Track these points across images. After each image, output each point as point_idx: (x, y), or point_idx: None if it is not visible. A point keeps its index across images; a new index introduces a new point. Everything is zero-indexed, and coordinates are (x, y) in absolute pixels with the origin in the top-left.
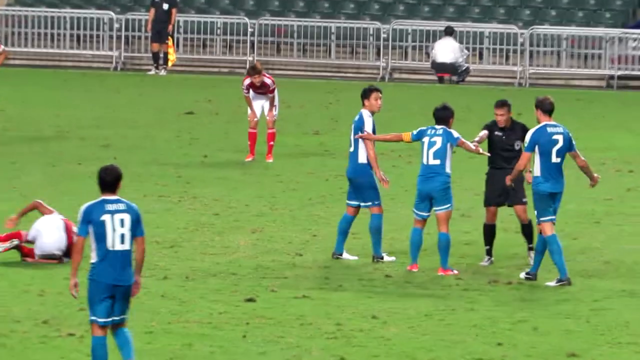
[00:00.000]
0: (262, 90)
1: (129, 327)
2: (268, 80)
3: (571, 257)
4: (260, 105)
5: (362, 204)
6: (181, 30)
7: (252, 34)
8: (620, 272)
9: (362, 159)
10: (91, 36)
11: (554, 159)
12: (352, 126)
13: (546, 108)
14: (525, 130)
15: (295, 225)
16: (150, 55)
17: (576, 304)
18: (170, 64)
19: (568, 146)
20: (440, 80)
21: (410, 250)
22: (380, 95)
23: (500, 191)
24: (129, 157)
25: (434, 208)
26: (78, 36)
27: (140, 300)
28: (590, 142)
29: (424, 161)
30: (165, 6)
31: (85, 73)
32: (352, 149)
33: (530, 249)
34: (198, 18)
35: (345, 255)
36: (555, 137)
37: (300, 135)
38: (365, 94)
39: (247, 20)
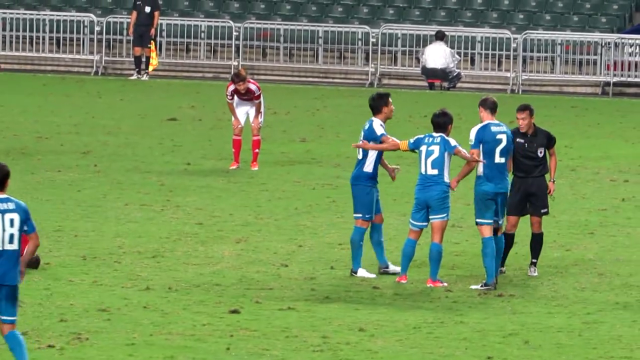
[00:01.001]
0: (247, 96)
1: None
2: (253, 87)
3: (564, 269)
4: (244, 111)
5: (354, 214)
6: (164, 33)
7: (237, 38)
8: (614, 285)
9: (367, 168)
10: (71, 39)
11: (497, 159)
12: (362, 135)
13: (489, 106)
14: (549, 137)
15: (280, 235)
16: (132, 59)
17: (569, 317)
18: (151, 68)
19: (511, 146)
20: (431, 86)
21: (401, 261)
22: None
23: (523, 200)
24: (110, 165)
25: (430, 217)
26: (58, 39)
27: (121, 311)
28: (585, 150)
29: (422, 171)
30: (148, 9)
31: (64, 77)
32: (360, 157)
33: (533, 263)
34: (181, 21)
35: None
36: (499, 136)
37: (286, 142)
38: (383, 101)
39: (231, 23)
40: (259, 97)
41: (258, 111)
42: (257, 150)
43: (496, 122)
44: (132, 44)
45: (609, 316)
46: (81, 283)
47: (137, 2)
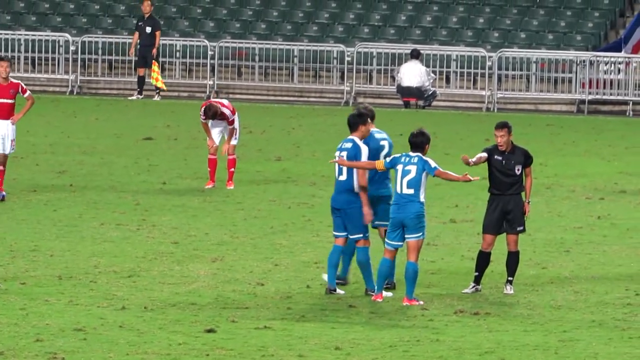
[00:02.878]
0: (222, 117)
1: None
2: (227, 111)
3: (540, 287)
4: (219, 130)
5: (350, 235)
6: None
7: (212, 57)
8: (590, 303)
9: (357, 188)
10: (46, 59)
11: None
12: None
13: (371, 116)
14: (526, 155)
15: (256, 254)
16: (130, 79)
17: (544, 335)
18: (160, 84)
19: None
20: (406, 104)
21: (377, 280)
22: None
23: (499, 218)
24: (86, 184)
25: (406, 236)
26: (33, 59)
27: (97, 331)
28: (560, 168)
29: (398, 190)
30: (149, 29)
31: (40, 97)
32: (344, 177)
33: (509, 281)
34: None
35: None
36: (382, 142)
37: (262, 161)
38: (362, 119)
39: (207, 42)
40: (232, 122)
41: (231, 135)
42: (232, 170)
43: (377, 130)
44: (135, 64)
45: (585, 334)
46: (57, 303)
47: (139, 23)
